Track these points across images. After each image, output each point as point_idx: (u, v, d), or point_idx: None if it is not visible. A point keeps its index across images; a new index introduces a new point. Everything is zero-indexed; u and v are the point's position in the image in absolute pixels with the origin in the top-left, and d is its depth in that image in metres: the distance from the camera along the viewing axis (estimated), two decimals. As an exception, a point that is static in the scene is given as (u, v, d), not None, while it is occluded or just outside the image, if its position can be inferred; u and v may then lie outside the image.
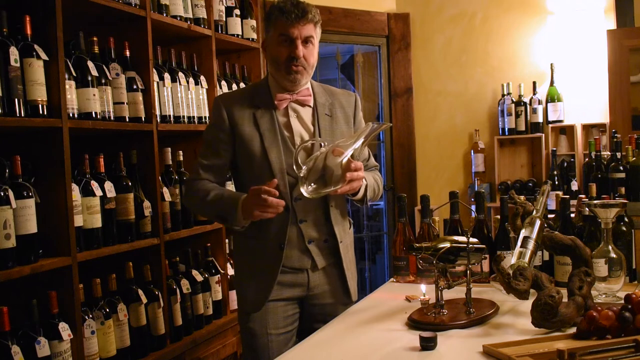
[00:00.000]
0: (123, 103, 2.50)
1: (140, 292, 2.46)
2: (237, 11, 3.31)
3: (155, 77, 2.68)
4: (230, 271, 3.10)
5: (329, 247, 2.14)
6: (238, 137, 2.08)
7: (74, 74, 2.26)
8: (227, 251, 3.13)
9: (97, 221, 2.31)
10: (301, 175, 1.89)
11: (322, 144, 1.93)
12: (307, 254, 2.10)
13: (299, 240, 2.08)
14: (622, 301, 1.63)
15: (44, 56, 2.08)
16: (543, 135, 4.18)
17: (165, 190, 2.70)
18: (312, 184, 1.90)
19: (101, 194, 2.33)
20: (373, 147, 4.61)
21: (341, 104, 2.19)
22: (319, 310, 2.15)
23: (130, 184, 2.49)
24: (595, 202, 2.00)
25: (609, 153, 3.40)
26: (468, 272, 1.88)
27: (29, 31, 2.07)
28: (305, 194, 1.91)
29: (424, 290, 1.98)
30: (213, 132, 2.13)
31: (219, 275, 3.00)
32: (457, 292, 1.98)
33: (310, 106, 2.14)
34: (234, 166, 2.16)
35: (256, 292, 2.10)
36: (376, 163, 2.35)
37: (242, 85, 3.37)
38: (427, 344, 1.59)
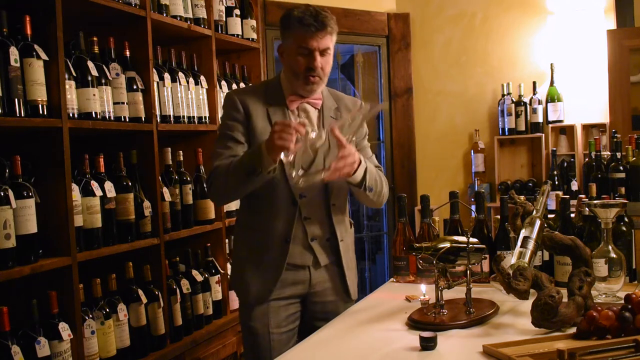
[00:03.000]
0: (123, 103, 2.50)
1: (140, 292, 2.46)
2: (237, 11, 3.31)
3: (155, 77, 2.68)
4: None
5: (331, 246, 2.14)
6: (252, 129, 2.08)
7: (74, 74, 2.26)
8: (227, 251, 3.13)
9: (97, 221, 2.31)
10: (290, 160, 1.87)
11: (313, 132, 1.89)
12: (309, 251, 2.10)
13: (303, 237, 2.09)
14: (622, 301, 1.63)
15: (44, 56, 2.08)
16: (543, 135, 4.18)
17: (165, 190, 2.70)
18: (301, 169, 1.89)
19: (101, 194, 2.33)
20: (373, 148, 4.61)
21: (347, 106, 2.20)
22: (321, 308, 2.15)
23: (130, 184, 2.49)
24: (595, 202, 2.00)
25: (609, 153, 3.40)
26: (468, 272, 1.88)
27: (29, 31, 2.07)
28: (293, 180, 1.90)
29: (424, 290, 1.98)
30: (229, 123, 2.09)
31: (219, 275, 3.00)
32: (457, 292, 1.98)
33: (318, 109, 2.15)
34: None
35: (261, 285, 2.09)
36: (378, 164, 2.29)
37: (242, 85, 3.37)
38: (427, 344, 1.59)
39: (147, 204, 2.58)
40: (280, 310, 2.10)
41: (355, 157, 1.96)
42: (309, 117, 2.13)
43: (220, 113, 3.07)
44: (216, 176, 2.04)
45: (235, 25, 3.28)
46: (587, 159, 3.65)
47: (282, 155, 1.86)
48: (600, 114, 4.15)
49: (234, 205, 3.05)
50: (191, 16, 2.96)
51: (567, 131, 4.17)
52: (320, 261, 2.12)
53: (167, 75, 2.76)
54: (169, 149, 2.79)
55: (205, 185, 2.87)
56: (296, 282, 2.11)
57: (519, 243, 1.86)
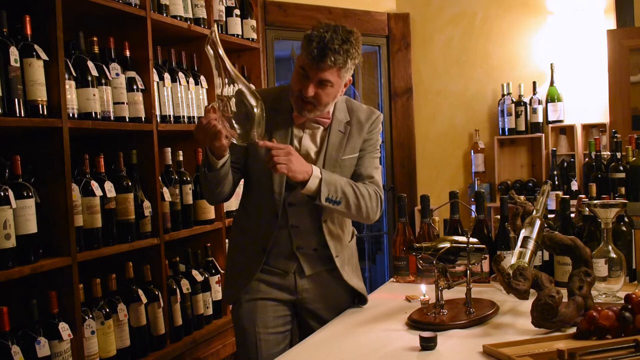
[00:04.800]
0: (123, 103, 2.50)
1: (140, 292, 2.46)
2: (237, 11, 3.31)
3: (155, 77, 2.68)
4: (230, 271, 3.10)
5: (319, 256, 2.09)
6: None
7: (74, 74, 2.26)
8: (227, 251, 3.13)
9: (97, 221, 2.31)
10: (237, 135, 1.84)
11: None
12: (293, 259, 2.08)
13: (287, 245, 2.07)
14: (622, 301, 1.63)
15: (44, 56, 2.08)
16: (543, 135, 4.18)
17: (165, 190, 2.70)
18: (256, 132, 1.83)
19: (101, 194, 2.33)
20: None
21: (359, 119, 2.10)
22: (313, 316, 2.13)
23: (130, 184, 2.49)
24: (595, 202, 2.00)
25: (609, 153, 3.40)
26: (468, 272, 1.88)
27: (29, 31, 2.07)
28: (234, 139, 1.85)
29: (424, 290, 1.98)
30: None
31: (219, 275, 3.00)
32: (457, 292, 1.98)
33: (325, 127, 2.07)
34: (245, 164, 2.13)
35: (234, 285, 2.13)
36: (372, 174, 2.09)
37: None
38: (427, 344, 1.59)
39: (147, 204, 2.58)
40: (268, 310, 2.09)
41: (285, 157, 1.87)
42: (313, 134, 2.07)
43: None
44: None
45: (235, 25, 3.28)
46: (587, 159, 3.65)
47: (233, 140, 1.85)
48: (600, 114, 4.15)
49: (234, 205, 3.05)
50: (191, 16, 2.96)
51: (567, 131, 4.17)
52: (305, 270, 2.08)
53: (167, 75, 2.76)
54: (169, 149, 2.79)
55: None
56: (282, 287, 2.09)
57: (519, 243, 1.87)
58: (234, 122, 1.82)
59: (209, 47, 1.80)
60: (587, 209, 2.12)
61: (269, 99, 2.05)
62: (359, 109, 2.12)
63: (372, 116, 2.12)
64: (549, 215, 2.50)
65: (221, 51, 1.81)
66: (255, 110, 1.81)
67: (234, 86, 1.82)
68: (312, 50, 1.87)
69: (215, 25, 1.81)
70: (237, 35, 3.29)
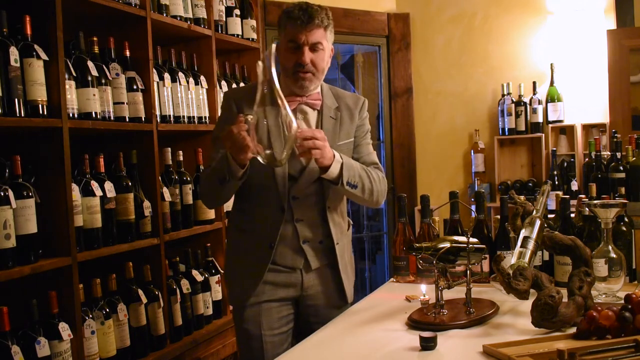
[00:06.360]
0: (123, 103, 2.50)
1: (140, 292, 2.46)
2: (237, 11, 3.31)
3: (155, 77, 2.68)
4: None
5: (324, 249, 2.11)
6: None
7: (74, 74, 2.26)
8: (227, 251, 3.13)
9: (97, 221, 2.31)
10: (265, 154, 1.86)
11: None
12: (300, 254, 2.08)
13: (294, 239, 2.07)
14: (622, 301, 1.63)
15: (44, 56, 2.08)
16: (543, 135, 4.18)
17: (165, 190, 2.70)
18: (284, 152, 1.85)
19: (101, 194, 2.33)
20: (373, 148, 4.59)
21: (347, 106, 2.16)
22: (313, 312, 2.14)
23: (130, 184, 2.49)
24: (595, 202, 2.00)
25: (609, 153, 3.40)
26: (468, 272, 1.88)
27: (29, 31, 2.07)
28: (282, 163, 1.87)
29: (424, 290, 1.98)
30: (222, 126, 2.07)
31: (219, 275, 3.00)
32: (457, 292, 1.98)
33: (318, 109, 2.12)
34: None
35: (243, 288, 2.10)
36: (375, 160, 2.20)
37: (242, 85, 3.37)
38: (427, 344, 1.59)
39: (147, 204, 2.58)
40: (272, 311, 2.09)
41: (322, 143, 1.89)
42: (306, 119, 2.10)
43: (220, 113, 3.08)
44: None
45: (235, 25, 3.28)
46: (587, 159, 3.65)
47: (258, 158, 1.86)
48: (600, 114, 4.15)
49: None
50: (191, 16, 2.96)
51: (567, 131, 4.17)
52: (311, 264, 2.09)
53: (167, 75, 2.76)
54: (169, 149, 2.79)
55: None
56: (288, 284, 2.10)
57: (519, 243, 1.86)
58: (264, 140, 1.84)
59: (260, 62, 1.84)
60: (587, 209, 2.12)
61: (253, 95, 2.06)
62: (345, 95, 2.20)
63: (359, 102, 2.21)
64: (549, 215, 2.50)
65: (273, 69, 1.82)
66: (290, 133, 1.84)
67: (273, 106, 1.85)
68: (298, 17, 1.97)
69: (275, 44, 1.87)
70: (237, 35, 3.29)
